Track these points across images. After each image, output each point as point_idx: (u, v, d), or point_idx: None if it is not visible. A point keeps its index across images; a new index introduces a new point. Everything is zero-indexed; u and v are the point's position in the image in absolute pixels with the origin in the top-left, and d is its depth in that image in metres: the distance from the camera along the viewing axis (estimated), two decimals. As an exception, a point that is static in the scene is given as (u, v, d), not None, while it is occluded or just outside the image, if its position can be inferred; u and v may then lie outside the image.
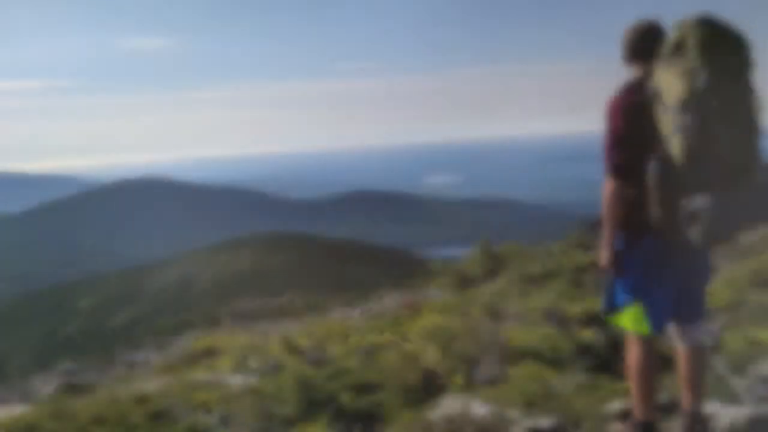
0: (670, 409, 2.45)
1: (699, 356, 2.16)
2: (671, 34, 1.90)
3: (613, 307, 2.18)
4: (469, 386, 3.66)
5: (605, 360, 3.66)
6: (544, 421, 2.49)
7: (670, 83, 1.86)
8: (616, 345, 3.80)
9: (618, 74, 2.15)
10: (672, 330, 2.18)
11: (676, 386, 2.30)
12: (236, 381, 3.77)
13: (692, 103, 1.81)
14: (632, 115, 1.99)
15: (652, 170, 1.93)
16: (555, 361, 3.84)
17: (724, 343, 3.34)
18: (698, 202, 1.83)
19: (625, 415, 2.45)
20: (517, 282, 9.23)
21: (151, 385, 3.59)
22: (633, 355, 2.13)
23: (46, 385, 5.38)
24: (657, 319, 2.08)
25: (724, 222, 1.84)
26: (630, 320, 2.11)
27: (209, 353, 6.22)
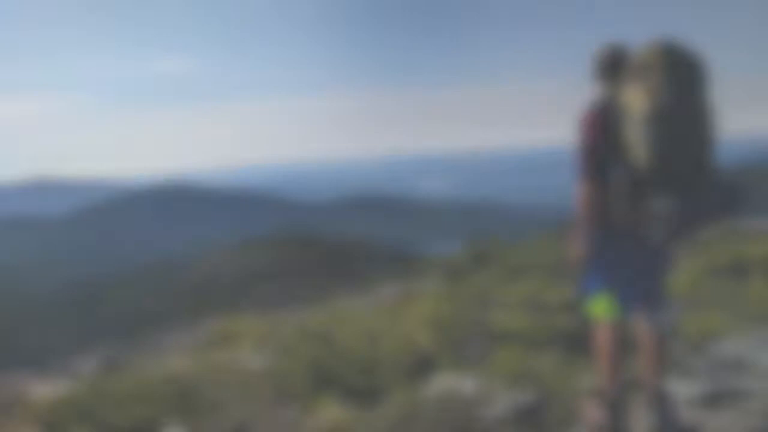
0: (634, 386, 2.46)
1: (661, 339, 2.17)
2: (637, 56, 1.92)
3: (586, 296, 2.19)
4: (459, 366, 3.67)
5: (579, 342, 3.67)
6: (525, 397, 2.49)
7: (635, 99, 1.88)
8: (589, 329, 3.81)
9: (588, 91, 2.16)
10: (637, 315, 2.19)
11: (640, 366, 2.30)
12: (254, 362, 3.77)
13: (655, 117, 1.83)
14: (602, 128, 2.00)
15: (618, 176, 1.94)
16: (535, 343, 3.85)
17: (683, 327, 3.35)
18: (659, 203, 1.85)
19: (595, 392, 2.46)
20: (502, 274, 9.22)
21: (178, 365, 3.59)
22: (602, 338, 2.14)
23: (84, 365, 5.38)
24: (623, 305, 2.09)
25: (682, 221, 1.85)
26: (600, 307, 2.13)
27: (230, 337, 6.21)
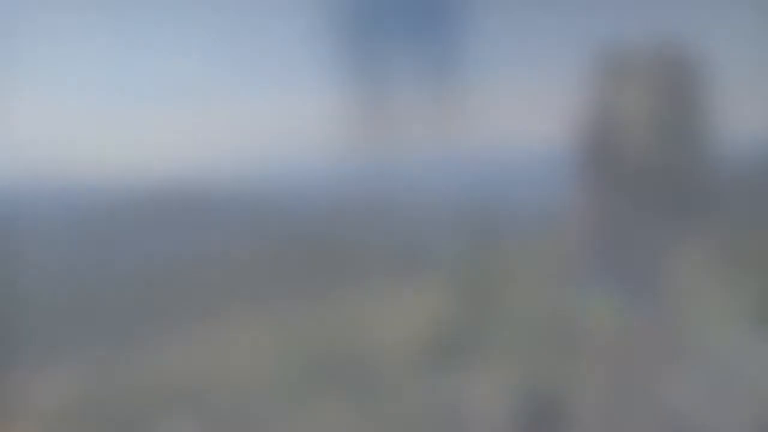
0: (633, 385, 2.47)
1: (660, 337, 2.19)
2: (636, 55, 1.93)
3: (585, 294, 2.21)
4: (458, 366, 3.68)
5: (580, 341, 3.69)
6: (526, 397, 2.51)
7: (634, 98, 1.89)
8: (588, 328, 3.83)
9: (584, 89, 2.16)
10: (636, 314, 2.21)
11: (639, 364, 2.32)
12: (253, 359, 3.79)
13: (654, 117, 1.84)
14: (599, 127, 2.02)
15: (617, 176, 1.96)
16: (535, 343, 3.87)
17: (682, 325, 3.36)
18: (658, 204, 1.86)
19: (594, 391, 2.47)
20: (503, 273, 9.28)
21: (178, 364, 3.60)
22: (601, 337, 2.16)
23: (85, 364, 5.42)
24: (623, 304, 2.11)
25: (682, 221, 1.86)
26: (600, 305, 2.14)
27: (230, 334, 6.25)
